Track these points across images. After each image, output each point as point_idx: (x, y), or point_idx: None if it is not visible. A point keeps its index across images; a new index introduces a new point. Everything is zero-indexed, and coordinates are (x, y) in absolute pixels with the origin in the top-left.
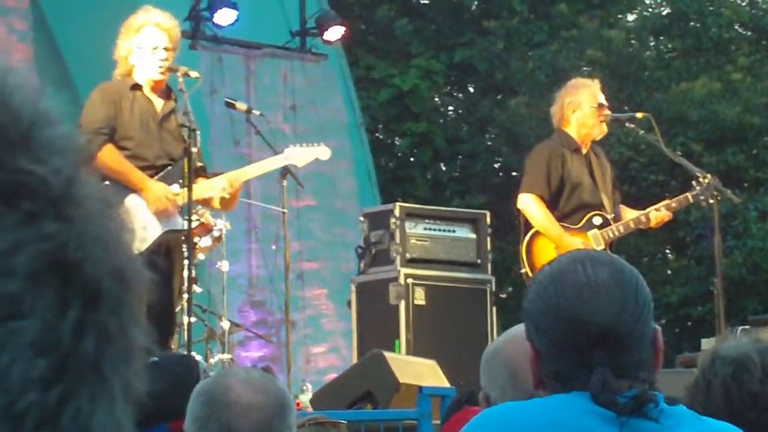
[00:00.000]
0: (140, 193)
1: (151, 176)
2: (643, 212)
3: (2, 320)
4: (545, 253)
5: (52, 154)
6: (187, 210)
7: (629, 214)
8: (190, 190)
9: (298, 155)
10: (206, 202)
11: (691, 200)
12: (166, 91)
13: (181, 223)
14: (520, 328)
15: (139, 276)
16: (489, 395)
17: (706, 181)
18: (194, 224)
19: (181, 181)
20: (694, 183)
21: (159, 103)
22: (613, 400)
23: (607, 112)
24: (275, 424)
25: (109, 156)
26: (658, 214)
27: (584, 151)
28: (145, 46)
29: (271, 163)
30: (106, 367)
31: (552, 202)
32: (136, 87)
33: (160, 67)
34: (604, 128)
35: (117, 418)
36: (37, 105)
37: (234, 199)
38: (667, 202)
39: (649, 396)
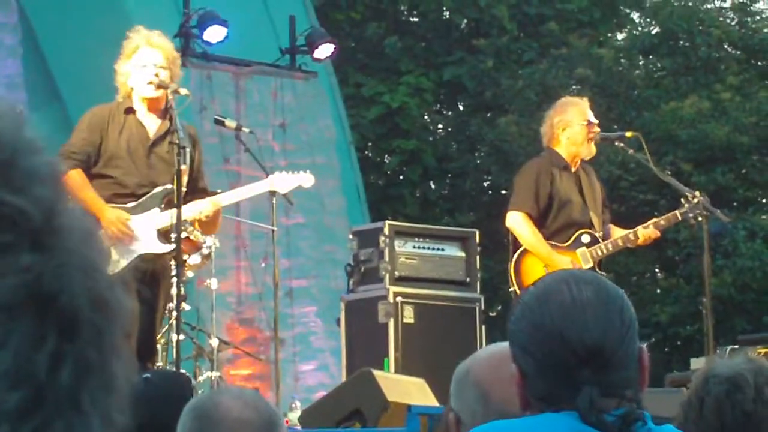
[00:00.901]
0: (97, 220)
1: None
2: (631, 231)
3: None
4: (534, 271)
5: (33, 184)
6: (176, 229)
7: (618, 233)
8: (179, 208)
9: (283, 181)
10: (194, 223)
11: (679, 218)
12: (163, 112)
13: (158, 247)
14: (489, 349)
15: (121, 306)
16: (459, 416)
17: (695, 199)
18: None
19: (162, 205)
20: (683, 200)
21: (153, 126)
22: (601, 419)
23: (597, 130)
24: None
25: (72, 182)
26: (646, 231)
27: (573, 169)
28: (138, 65)
29: (256, 189)
30: (84, 398)
31: (540, 220)
32: (130, 111)
33: (149, 83)
34: (593, 147)
35: None
36: (19, 133)
37: (214, 223)
38: (655, 220)
39: (637, 414)
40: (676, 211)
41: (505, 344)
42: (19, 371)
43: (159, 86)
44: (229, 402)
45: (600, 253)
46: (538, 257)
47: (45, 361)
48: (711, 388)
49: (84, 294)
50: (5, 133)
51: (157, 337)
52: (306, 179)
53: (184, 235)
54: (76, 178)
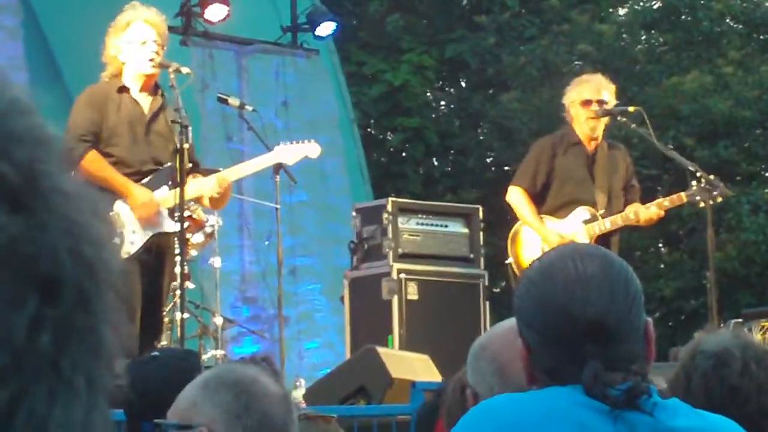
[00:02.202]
0: (125, 199)
1: (137, 181)
2: (631, 210)
3: None
4: (530, 244)
5: (13, 146)
6: (179, 208)
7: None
8: (182, 187)
9: (289, 152)
10: (198, 200)
11: (684, 200)
12: (154, 88)
13: (170, 225)
14: (505, 324)
15: (113, 271)
16: (477, 391)
17: (704, 183)
18: (185, 221)
19: (170, 183)
20: (693, 183)
21: (147, 103)
22: (606, 393)
23: (594, 108)
24: (292, 415)
25: (93, 163)
26: (648, 212)
27: (589, 146)
28: (135, 41)
29: (262, 162)
30: (65, 364)
31: (541, 196)
32: (123, 89)
33: (151, 60)
34: (593, 124)
35: (79, 417)
36: (4, 94)
37: (224, 199)
38: (659, 201)
39: (642, 388)
40: (682, 194)
41: None
42: None
43: (161, 65)
44: (263, 377)
45: (597, 230)
46: (533, 230)
47: (24, 325)
48: (698, 363)
49: (69, 257)
50: None
51: (163, 316)
52: (312, 149)
53: (187, 214)
54: (95, 159)
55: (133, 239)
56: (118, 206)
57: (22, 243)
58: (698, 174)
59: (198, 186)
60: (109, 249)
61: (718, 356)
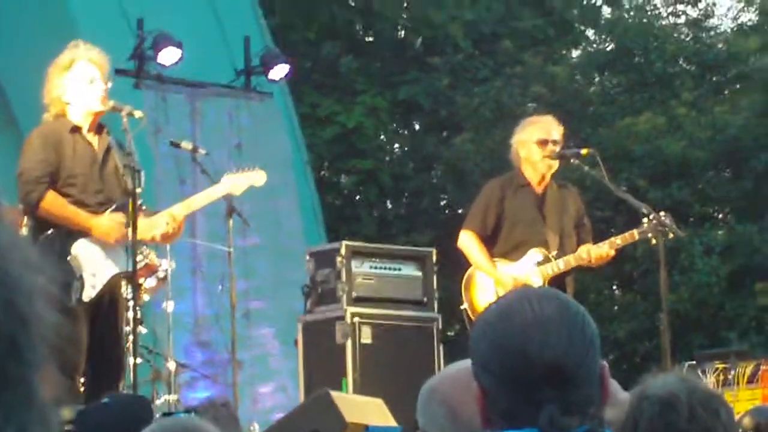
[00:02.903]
0: (89, 233)
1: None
2: (583, 249)
3: None
4: (484, 289)
5: None
6: (132, 252)
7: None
8: (134, 231)
9: (236, 182)
10: (151, 239)
11: (636, 237)
12: (99, 128)
13: (125, 263)
14: (455, 366)
15: (46, 322)
16: None
17: (654, 219)
18: (140, 265)
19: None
20: (644, 221)
21: (96, 143)
22: None
23: (551, 148)
24: None
25: (53, 204)
26: (600, 251)
27: (538, 187)
28: (81, 80)
29: (212, 193)
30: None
31: (492, 239)
32: (75, 129)
33: (100, 98)
34: (549, 163)
35: None
36: None
37: (177, 233)
38: (611, 240)
39: None
40: (634, 231)
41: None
42: None
43: (114, 108)
44: (207, 427)
45: (551, 271)
46: (487, 274)
47: None
48: (644, 408)
49: (1, 309)
50: None
51: (123, 359)
52: (257, 177)
53: (141, 258)
54: (54, 199)
55: (93, 282)
56: (77, 248)
57: None
58: (649, 213)
59: (149, 226)
60: (43, 301)
61: (665, 401)
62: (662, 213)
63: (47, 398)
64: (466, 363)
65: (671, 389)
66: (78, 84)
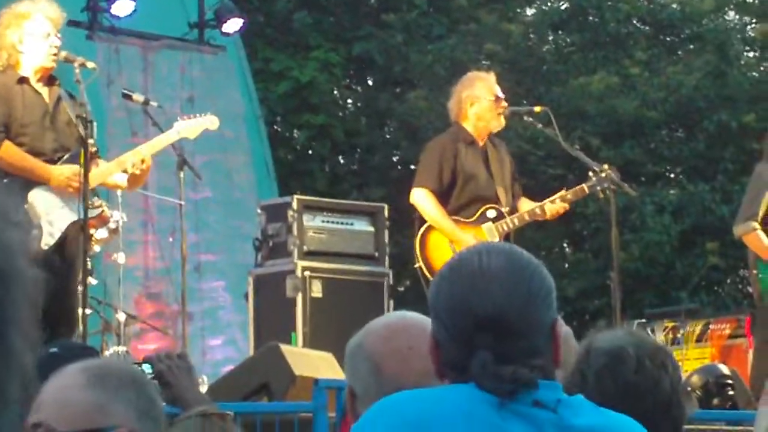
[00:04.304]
0: (47, 183)
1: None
2: (538, 204)
3: None
4: (439, 247)
5: None
6: (83, 202)
7: (527, 206)
8: (86, 181)
9: (189, 127)
10: (113, 186)
11: (586, 191)
12: (50, 79)
13: (78, 213)
14: (380, 320)
15: (21, 276)
16: (354, 390)
17: (603, 172)
18: (93, 214)
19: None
20: (590, 174)
21: (46, 93)
22: (496, 385)
23: (504, 105)
24: None
25: (9, 153)
26: (553, 206)
27: (481, 143)
28: (37, 34)
29: (166, 139)
30: None
31: (445, 196)
32: (23, 80)
33: (53, 54)
34: (502, 121)
35: None
36: None
37: (144, 176)
38: (562, 193)
39: (528, 378)
40: (584, 185)
41: (399, 315)
42: None
43: (66, 59)
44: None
45: (506, 228)
46: (442, 233)
47: None
48: (592, 361)
49: None
50: None
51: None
52: (210, 121)
53: (96, 210)
54: (9, 149)
55: (51, 230)
56: (33, 196)
57: None
58: (596, 168)
59: (103, 171)
60: (22, 256)
61: (612, 353)
62: (609, 170)
63: (26, 356)
64: (394, 316)
65: (618, 342)
66: (33, 38)
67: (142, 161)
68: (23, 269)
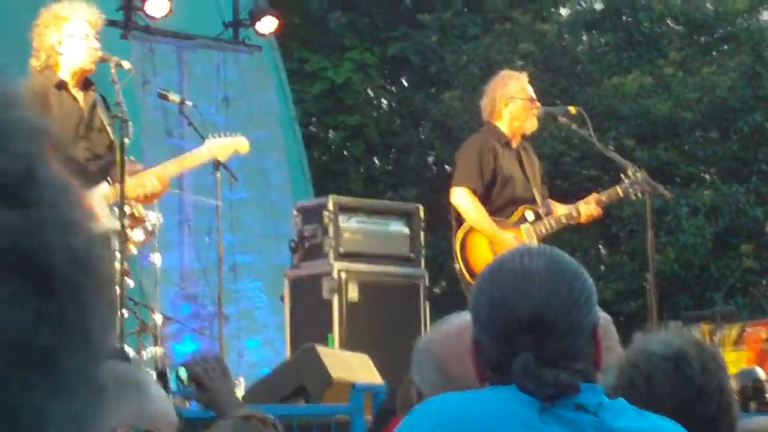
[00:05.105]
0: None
1: (86, 178)
2: (573, 206)
3: None
4: (479, 248)
5: (10, 138)
6: (120, 203)
7: (559, 208)
8: (123, 182)
9: (220, 148)
10: (136, 198)
11: (620, 193)
12: (86, 83)
13: (111, 222)
14: (448, 321)
15: (102, 263)
16: (420, 390)
17: (636, 174)
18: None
19: (109, 179)
20: (623, 176)
21: (81, 99)
22: (538, 387)
23: (538, 105)
24: None
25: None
26: (588, 207)
27: (515, 144)
28: (77, 35)
29: (196, 157)
30: (63, 359)
31: (484, 196)
32: (61, 85)
33: (92, 57)
34: (535, 122)
35: (74, 412)
36: None
37: (160, 194)
38: (596, 195)
39: (570, 382)
40: (617, 187)
41: (464, 316)
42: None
43: (102, 59)
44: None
45: (544, 230)
46: (483, 234)
47: (25, 321)
48: (656, 365)
49: (63, 251)
50: None
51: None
52: (241, 144)
53: (128, 210)
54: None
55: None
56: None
57: (21, 239)
58: (629, 170)
59: (136, 184)
60: (98, 242)
61: (677, 357)
62: (642, 172)
63: (103, 342)
64: (460, 317)
65: (679, 345)
66: (73, 40)
67: (160, 180)
68: (101, 256)
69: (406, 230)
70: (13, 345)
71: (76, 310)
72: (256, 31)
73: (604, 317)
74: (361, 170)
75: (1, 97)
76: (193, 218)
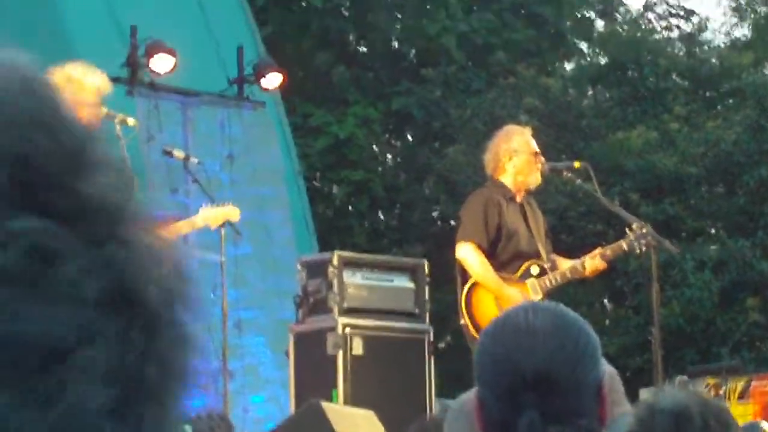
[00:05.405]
0: None
1: None
2: (579, 261)
3: (74, 350)
4: (484, 303)
5: (106, 172)
6: None
7: (564, 263)
8: None
9: (212, 216)
10: None
11: (625, 248)
12: None
13: None
14: None
15: (195, 298)
16: None
17: (642, 229)
18: None
19: None
20: (628, 231)
21: None
22: None
23: (542, 159)
24: None
25: None
26: (593, 262)
27: (519, 199)
28: (85, 102)
29: (190, 224)
30: (166, 394)
31: (489, 251)
32: None
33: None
34: (539, 176)
35: None
36: (78, 128)
37: None
38: (601, 250)
39: None
40: (622, 242)
41: None
42: (112, 369)
43: (107, 116)
44: None
45: (549, 284)
46: (488, 289)
47: (134, 358)
48: (658, 421)
49: (163, 285)
50: (74, 119)
51: None
52: (232, 212)
53: None
54: None
55: None
56: None
57: (134, 274)
58: (633, 225)
59: None
60: (194, 281)
61: (678, 413)
62: (646, 226)
63: (193, 374)
64: None
65: (683, 402)
66: (80, 107)
67: None
68: (199, 296)
69: (411, 285)
70: (123, 382)
71: (176, 346)
72: (261, 87)
73: (610, 371)
74: (366, 225)
75: (90, 131)
76: (197, 274)
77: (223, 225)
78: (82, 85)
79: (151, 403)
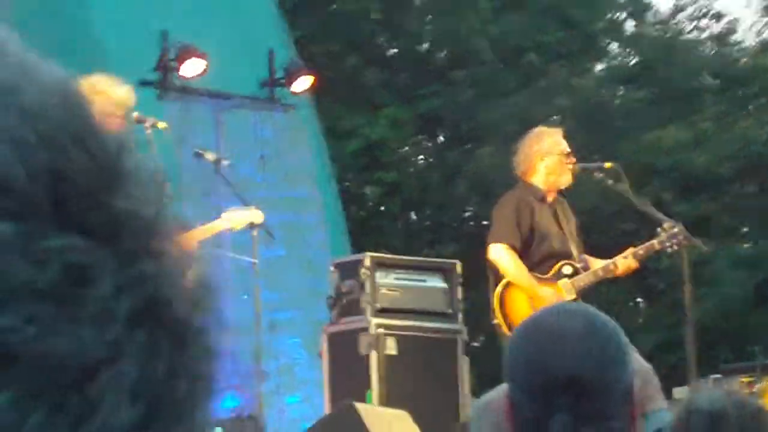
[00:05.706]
0: None
1: None
2: (611, 260)
3: (104, 367)
4: (518, 303)
5: (139, 184)
6: None
7: (596, 263)
8: None
9: (236, 219)
10: None
11: (657, 247)
12: None
13: None
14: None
15: (221, 311)
16: None
17: (674, 228)
18: None
19: None
20: (659, 230)
21: None
22: None
23: (573, 160)
24: None
25: None
26: (625, 261)
27: (550, 199)
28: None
29: (214, 226)
30: (194, 407)
31: (522, 252)
32: None
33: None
34: (570, 177)
35: None
36: (111, 136)
37: None
38: (633, 249)
39: None
40: (654, 241)
41: None
42: (141, 384)
43: (137, 120)
44: None
45: (582, 285)
46: (522, 289)
47: (163, 373)
48: (694, 422)
49: (193, 298)
50: (107, 130)
51: None
52: (256, 215)
53: None
54: None
55: None
56: None
57: (165, 288)
58: (665, 224)
59: None
60: (220, 290)
61: (715, 414)
62: (678, 225)
63: (219, 385)
64: None
65: (719, 403)
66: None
67: None
68: (225, 311)
69: (444, 285)
70: (152, 397)
71: (203, 359)
72: (292, 90)
73: (645, 367)
74: (399, 226)
75: (124, 142)
76: (230, 276)
77: (252, 227)
78: (108, 97)
79: (180, 417)
